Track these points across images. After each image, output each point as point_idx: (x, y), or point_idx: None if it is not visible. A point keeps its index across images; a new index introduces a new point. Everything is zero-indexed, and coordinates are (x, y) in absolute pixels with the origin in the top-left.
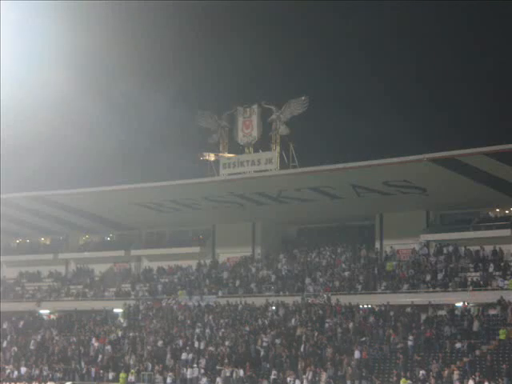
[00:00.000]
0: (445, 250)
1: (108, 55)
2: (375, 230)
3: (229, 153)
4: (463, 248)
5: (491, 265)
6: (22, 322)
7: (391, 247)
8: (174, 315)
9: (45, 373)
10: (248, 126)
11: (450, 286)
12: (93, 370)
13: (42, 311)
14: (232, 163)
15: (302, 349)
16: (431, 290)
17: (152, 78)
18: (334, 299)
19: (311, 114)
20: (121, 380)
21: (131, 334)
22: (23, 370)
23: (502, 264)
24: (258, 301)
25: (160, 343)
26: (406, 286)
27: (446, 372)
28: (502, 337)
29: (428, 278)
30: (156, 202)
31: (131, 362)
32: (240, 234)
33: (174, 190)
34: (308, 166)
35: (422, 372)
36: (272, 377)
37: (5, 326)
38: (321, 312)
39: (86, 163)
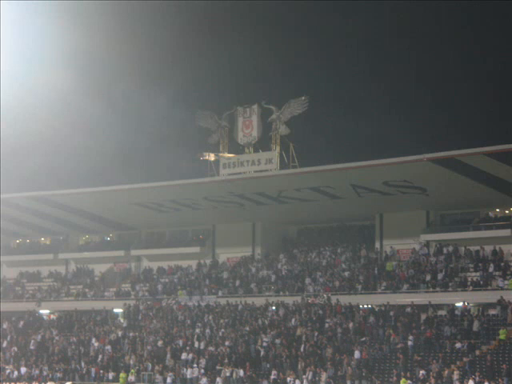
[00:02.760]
0: (445, 250)
1: (108, 55)
2: (375, 230)
3: (229, 153)
4: (463, 248)
5: (491, 265)
6: (22, 322)
7: (391, 247)
8: (174, 315)
9: (45, 373)
10: (248, 126)
11: (450, 286)
12: (93, 369)
13: (41, 311)
14: (232, 163)
15: (301, 349)
16: (431, 290)
17: (152, 78)
18: (334, 299)
19: (311, 114)
20: (121, 380)
21: (131, 334)
22: (23, 370)
23: (502, 264)
24: (258, 301)
25: (160, 343)
26: (405, 286)
27: (446, 372)
28: (502, 337)
29: (428, 278)
30: (156, 201)
31: (131, 362)
32: (240, 234)
33: (174, 190)
34: (308, 166)
35: (422, 372)
36: (272, 377)
37: (5, 325)
38: (321, 312)
39: (86, 163)
